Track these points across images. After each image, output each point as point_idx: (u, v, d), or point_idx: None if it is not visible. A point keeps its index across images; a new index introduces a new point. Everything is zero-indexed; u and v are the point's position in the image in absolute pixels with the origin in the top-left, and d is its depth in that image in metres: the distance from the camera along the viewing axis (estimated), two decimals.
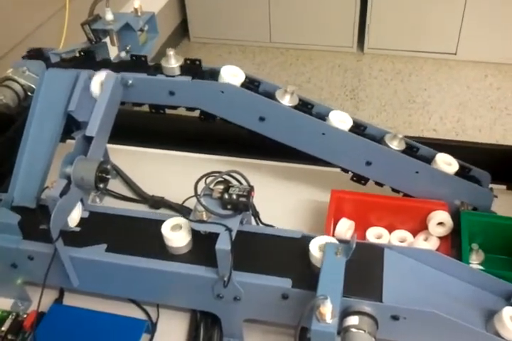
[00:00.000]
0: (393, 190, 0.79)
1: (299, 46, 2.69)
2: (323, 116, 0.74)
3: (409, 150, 0.75)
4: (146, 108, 0.80)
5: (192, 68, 0.74)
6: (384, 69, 2.54)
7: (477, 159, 0.79)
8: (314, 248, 0.62)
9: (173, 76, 0.73)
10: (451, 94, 2.37)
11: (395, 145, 0.74)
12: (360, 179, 0.78)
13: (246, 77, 0.74)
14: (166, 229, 0.65)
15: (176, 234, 0.64)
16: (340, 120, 0.74)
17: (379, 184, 0.78)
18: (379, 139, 0.75)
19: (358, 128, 0.75)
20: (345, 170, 0.78)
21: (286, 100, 0.73)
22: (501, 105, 2.28)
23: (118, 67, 0.75)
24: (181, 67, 0.73)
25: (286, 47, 2.71)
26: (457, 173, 0.75)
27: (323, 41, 2.65)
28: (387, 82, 2.47)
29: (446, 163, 0.75)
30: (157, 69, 0.74)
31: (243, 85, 0.74)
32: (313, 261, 0.62)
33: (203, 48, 2.76)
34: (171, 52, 0.72)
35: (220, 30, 2.74)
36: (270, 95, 0.74)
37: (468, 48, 2.49)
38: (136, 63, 0.75)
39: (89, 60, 0.76)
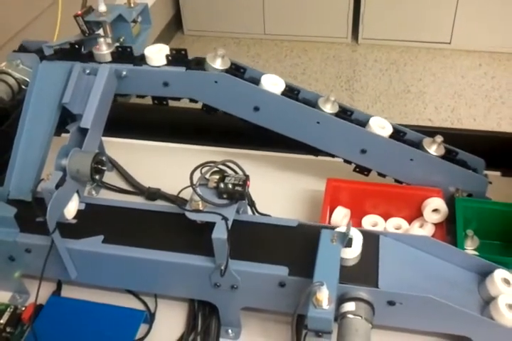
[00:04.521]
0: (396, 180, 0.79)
1: (293, 38, 2.69)
2: (256, 80, 0.74)
3: (343, 113, 0.75)
4: (139, 100, 0.80)
5: (123, 54, 0.74)
6: (379, 60, 2.54)
7: (472, 146, 0.80)
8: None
9: (105, 62, 0.73)
10: (446, 83, 2.37)
11: (328, 108, 0.73)
12: (362, 170, 0.78)
13: (171, 49, 0.74)
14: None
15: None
16: (273, 83, 0.73)
17: (382, 175, 0.78)
18: (314, 104, 0.74)
19: (291, 92, 0.75)
20: (348, 162, 0.78)
21: (218, 64, 0.72)
22: (495, 94, 2.29)
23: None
24: (112, 53, 0.74)
25: (280, 39, 2.71)
26: (391, 136, 0.75)
27: (317, 32, 2.65)
28: (382, 72, 2.47)
29: (380, 127, 0.74)
30: (91, 56, 0.74)
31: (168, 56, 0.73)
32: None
33: (197, 41, 2.75)
34: (101, 39, 0.73)
35: (214, 22, 2.74)
36: (200, 62, 0.74)
37: (463, 37, 2.49)
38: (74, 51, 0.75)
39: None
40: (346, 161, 0.78)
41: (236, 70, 0.74)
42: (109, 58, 0.74)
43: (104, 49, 0.73)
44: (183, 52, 0.73)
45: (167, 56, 0.73)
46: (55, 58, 0.75)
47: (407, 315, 0.60)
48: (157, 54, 0.73)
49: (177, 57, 0.73)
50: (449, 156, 0.76)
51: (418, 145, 0.75)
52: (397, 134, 0.76)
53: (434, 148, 0.74)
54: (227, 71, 0.73)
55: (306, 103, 0.74)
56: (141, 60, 0.74)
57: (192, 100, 0.77)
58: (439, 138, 0.74)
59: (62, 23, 1.44)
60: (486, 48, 2.49)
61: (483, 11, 2.38)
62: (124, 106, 0.81)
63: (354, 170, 0.79)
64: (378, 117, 0.75)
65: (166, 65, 0.74)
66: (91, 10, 0.75)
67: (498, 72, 2.40)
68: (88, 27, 0.74)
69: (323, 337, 0.54)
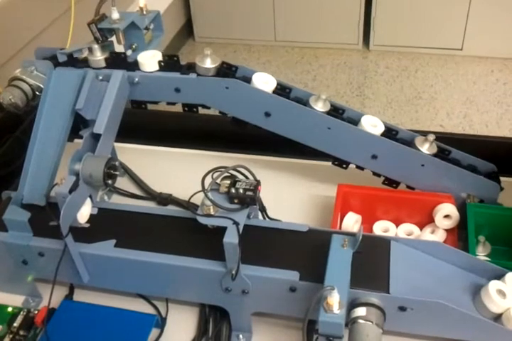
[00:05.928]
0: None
1: (304, 44, 2.69)
2: (248, 79, 0.74)
3: (335, 112, 0.75)
4: (150, 106, 0.81)
5: (117, 60, 0.75)
6: (390, 66, 2.54)
7: (484, 152, 0.80)
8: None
9: (99, 68, 0.74)
10: (457, 89, 2.36)
11: (320, 106, 0.73)
12: (391, 182, 0.78)
13: (163, 55, 0.75)
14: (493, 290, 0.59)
15: (503, 301, 0.58)
16: (264, 81, 0.74)
17: (411, 188, 0.78)
18: (305, 102, 0.74)
19: (282, 91, 0.75)
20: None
21: (208, 63, 0.73)
22: (508, 100, 2.28)
23: None
24: (106, 59, 0.75)
25: (291, 45, 2.71)
26: (384, 135, 0.74)
27: (328, 39, 2.65)
28: (393, 78, 2.47)
29: (372, 125, 0.74)
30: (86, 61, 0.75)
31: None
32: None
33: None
34: (95, 45, 0.74)
35: (225, 29, 2.75)
36: (191, 66, 0.74)
37: (474, 44, 2.48)
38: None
39: None
40: (374, 173, 0.78)
41: (228, 69, 0.75)
42: (103, 64, 0.75)
43: (98, 55, 0.74)
44: (175, 58, 0.74)
45: (159, 62, 0.74)
46: (69, 65, 0.76)
47: (418, 321, 0.60)
48: (150, 60, 0.74)
49: (169, 63, 0.74)
50: (441, 155, 0.75)
51: (410, 143, 0.75)
52: (389, 133, 0.76)
53: (426, 146, 0.74)
54: (218, 69, 0.74)
55: (297, 101, 0.74)
56: (135, 65, 0.75)
57: (221, 112, 0.78)
58: (431, 137, 0.74)
59: (75, 30, 1.47)
60: (497, 54, 2.49)
61: (494, 17, 2.37)
62: (136, 112, 0.81)
63: (383, 182, 0.79)
64: (370, 115, 0.75)
65: (158, 70, 0.75)
66: (104, 17, 0.76)
67: (510, 78, 2.39)
68: (101, 34, 0.75)
69: None
